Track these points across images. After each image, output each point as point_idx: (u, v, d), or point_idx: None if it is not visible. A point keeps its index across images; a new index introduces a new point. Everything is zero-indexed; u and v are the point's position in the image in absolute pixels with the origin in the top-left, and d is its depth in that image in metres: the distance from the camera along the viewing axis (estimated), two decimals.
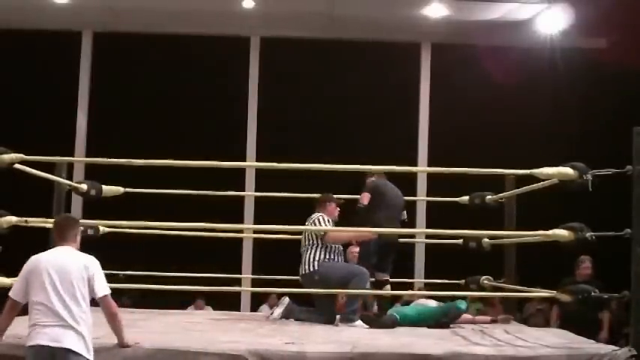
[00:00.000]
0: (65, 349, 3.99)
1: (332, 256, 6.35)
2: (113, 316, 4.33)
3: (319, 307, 6.39)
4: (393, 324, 6.02)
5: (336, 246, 6.44)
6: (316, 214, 6.48)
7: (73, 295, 4.10)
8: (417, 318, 6.19)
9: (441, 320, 6.16)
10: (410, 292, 7.88)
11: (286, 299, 6.44)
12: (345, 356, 4.45)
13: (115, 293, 4.39)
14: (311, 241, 6.36)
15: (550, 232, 5.23)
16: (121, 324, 4.39)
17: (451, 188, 7.11)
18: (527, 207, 6.94)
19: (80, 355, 4.02)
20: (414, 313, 6.30)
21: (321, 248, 6.35)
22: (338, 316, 6.28)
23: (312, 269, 6.29)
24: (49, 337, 4.00)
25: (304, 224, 6.38)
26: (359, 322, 6.10)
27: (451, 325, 6.17)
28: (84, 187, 6.63)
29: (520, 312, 8.46)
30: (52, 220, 5.70)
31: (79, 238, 4.40)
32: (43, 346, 3.99)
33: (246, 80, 11.47)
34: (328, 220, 6.43)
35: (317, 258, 6.32)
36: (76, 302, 4.09)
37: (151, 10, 10.60)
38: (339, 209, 6.65)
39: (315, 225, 6.38)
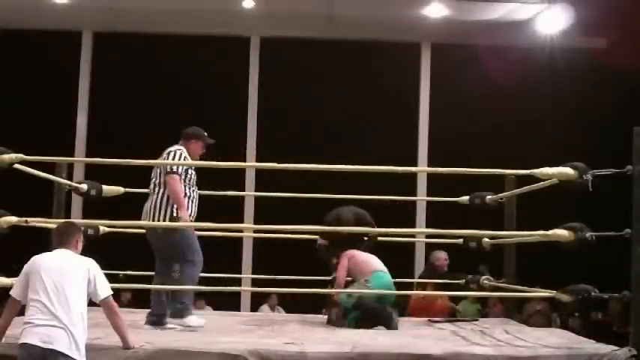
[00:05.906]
0: (55, 350, 3.97)
1: (190, 204, 5.58)
2: (116, 318, 4.33)
3: (161, 268, 5.62)
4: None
5: (195, 191, 5.63)
6: (176, 146, 5.64)
7: (72, 297, 4.09)
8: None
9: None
10: (409, 292, 7.86)
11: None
12: (345, 356, 4.45)
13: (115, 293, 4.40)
14: (161, 180, 5.56)
15: (550, 232, 5.23)
16: (125, 325, 4.39)
17: (451, 188, 7.11)
18: (527, 207, 6.93)
19: (70, 357, 4.00)
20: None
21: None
22: (169, 312, 5.56)
23: (165, 217, 5.49)
24: (40, 337, 3.98)
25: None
26: (193, 318, 5.49)
27: (451, 325, 6.17)
28: (84, 187, 6.64)
29: (520, 312, 8.43)
30: (52, 220, 5.71)
31: (80, 244, 4.39)
32: (33, 345, 3.98)
33: (246, 80, 11.47)
34: (185, 158, 5.56)
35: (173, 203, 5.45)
36: (74, 304, 4.09)
37: (150, 10, 10.60)
38: (204, 151, 5.78)
39: (169, 158, 5.48)
